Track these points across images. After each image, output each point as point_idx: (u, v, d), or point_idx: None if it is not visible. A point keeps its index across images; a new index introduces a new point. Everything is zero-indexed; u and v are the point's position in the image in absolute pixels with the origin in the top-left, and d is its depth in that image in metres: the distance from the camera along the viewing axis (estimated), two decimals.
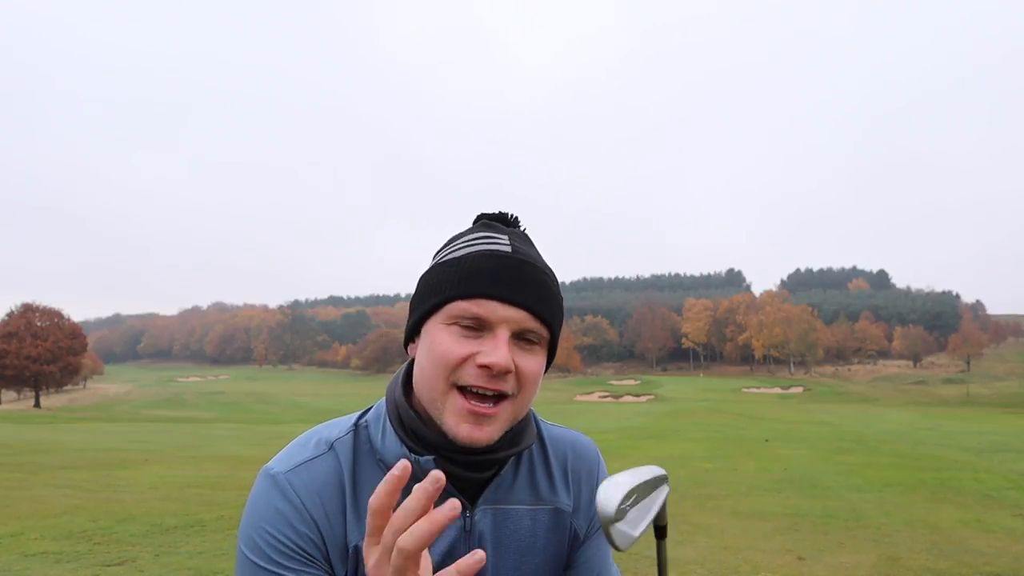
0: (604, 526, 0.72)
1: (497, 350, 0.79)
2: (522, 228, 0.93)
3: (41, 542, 5.89)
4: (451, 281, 0.82)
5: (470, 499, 0.88)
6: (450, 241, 0.90)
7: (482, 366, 0.79)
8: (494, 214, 0.92)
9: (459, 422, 0.80)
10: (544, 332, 0.84)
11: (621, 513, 0.74)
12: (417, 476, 0.83)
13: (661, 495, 0.92)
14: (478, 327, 0.81)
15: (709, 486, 10.56)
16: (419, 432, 0.84)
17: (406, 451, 0.84)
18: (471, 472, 0.86)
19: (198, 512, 7.40)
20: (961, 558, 6.00)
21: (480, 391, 0.80)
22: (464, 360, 0.80)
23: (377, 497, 0.60)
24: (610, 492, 0.73)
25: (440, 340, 0.81)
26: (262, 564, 0.80)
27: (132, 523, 6.74)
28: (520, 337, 0.82)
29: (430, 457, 0.83)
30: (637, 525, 0.80)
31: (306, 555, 0.81)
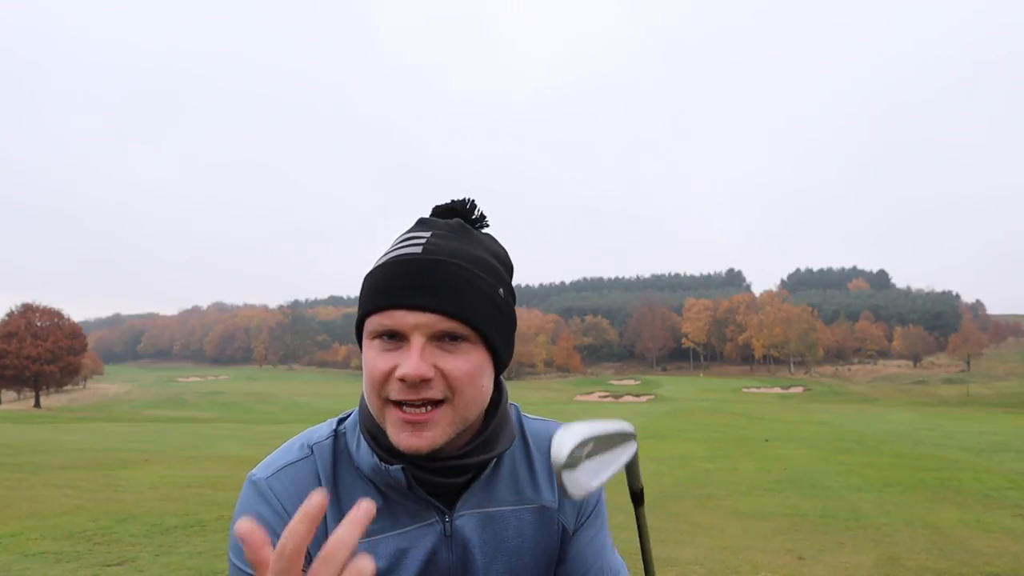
0: (556, 472, 0.67)
1: (409, 360, 0.78)
2: (477, 214, 0.90)
3: (41, 542, 5.89)
4: (366, 295, 0.83)
5: (449, 504, 0.89)
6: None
7: (399, 379, 0.79)
8: (445, 206, 0.90)
9: (398, 432, 0.80)
10: (465, 330, 0.80)
11: (574, 459, 0.69)
12: (390, 484, 0.86)
13: (627, 451, 0.88)
14: (397, 337, 0.80)
15: (709, 486, 10.57)
16: (383, 442, 0.85)
17: (376, 460, 0.84)
18: (443, 478, 0.85)
19: (198, 512, 7.40)
20: (961, 558, 6.00)
21: (408, 403, 0.80)
22: (387, 375, 0.80)
23: (291, 537, 0.54)
24: (564, 437, 0.69)
25: (367, 357, 0.82)
26: (247, 570, 0.79)
27: (132, 523, 6.74)
28: (441, 339, 0.81)
29: (399, 466, 0.83)
30: (595, 476, 0.75)
31: None
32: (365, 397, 0.85)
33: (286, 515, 0.82)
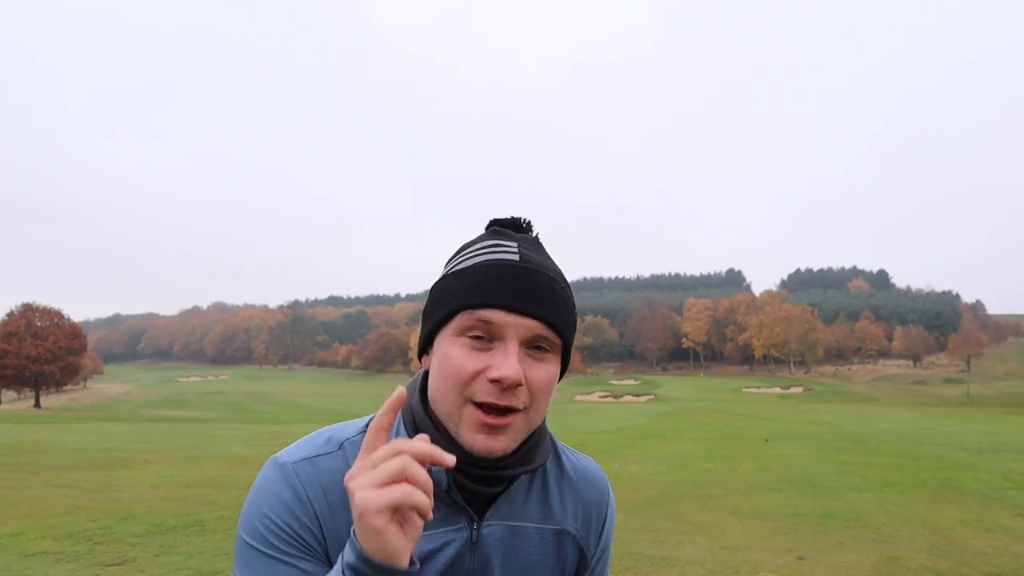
0: None
1: (507, 362, 0.78)
2: (534, 233, 0.92)
3: (41, 542, 5.89)
4: (458, 292, 0.82)
5: (478, 512, 0.89)
6: (460, 250, 0.89)
7: (493, 380, 0.79)
8: (505, 220, 0.91)
9: (475, 434, 0.81)
10: (556, 340, 0.84)
11: None
12: None
13: None
14: (488, 338, 0.81)
15: (709, 486, 10.57)
16: (434, 442, 0.83)
17: None
18: (482, 486, 0.86)
19: (198, 512, 7.41)
20: (961, 558, 6.01)
21: (491, 407, 0.80)
22: (476, 375, 0.80)
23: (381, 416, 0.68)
24: None
25: (451, 354, 0.81)
26: (260, 548, 0.79)
27: (132, 523, 6.74)
28: (532, 346, 0.82)
29: (442, 468, 0.83)
30: None
31: (305, 544, 0.81)
32: (439, 394, 0.84)
33: (308, 502, 0.81)
